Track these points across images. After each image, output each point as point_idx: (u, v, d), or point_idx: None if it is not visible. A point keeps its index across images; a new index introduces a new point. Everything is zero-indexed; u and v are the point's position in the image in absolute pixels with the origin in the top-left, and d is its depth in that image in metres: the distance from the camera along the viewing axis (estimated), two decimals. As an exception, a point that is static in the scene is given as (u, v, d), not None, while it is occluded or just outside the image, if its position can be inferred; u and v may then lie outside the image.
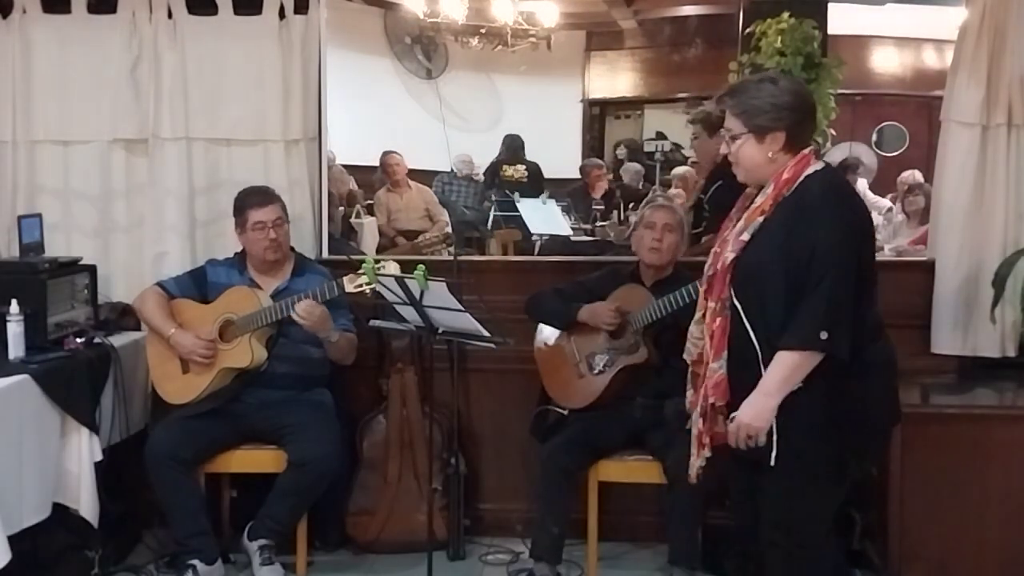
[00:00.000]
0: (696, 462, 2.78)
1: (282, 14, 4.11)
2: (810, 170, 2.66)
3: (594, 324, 3.70)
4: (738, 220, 2.73)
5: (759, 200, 2.69)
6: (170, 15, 4.10)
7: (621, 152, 10.31)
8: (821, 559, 2.78)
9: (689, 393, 2.85)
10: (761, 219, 2.65)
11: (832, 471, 2.68)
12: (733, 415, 2.66)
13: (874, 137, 10.37)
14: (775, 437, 2.62)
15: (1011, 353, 3.98)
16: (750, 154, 2.69)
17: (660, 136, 11.24)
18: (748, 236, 2.66)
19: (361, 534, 4.04)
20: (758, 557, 2.84)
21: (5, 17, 4.16)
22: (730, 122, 2.71)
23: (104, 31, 4.13)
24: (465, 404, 4.24)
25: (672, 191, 7.47)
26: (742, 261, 2.66)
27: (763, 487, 2.73)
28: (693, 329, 2.81)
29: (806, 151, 2.68)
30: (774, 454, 2.63)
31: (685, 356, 2.84)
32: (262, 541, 3.73)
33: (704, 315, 2.75)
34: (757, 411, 2.60)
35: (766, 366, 2.60)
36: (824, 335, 2.53)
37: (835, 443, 2.64)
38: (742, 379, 2.65)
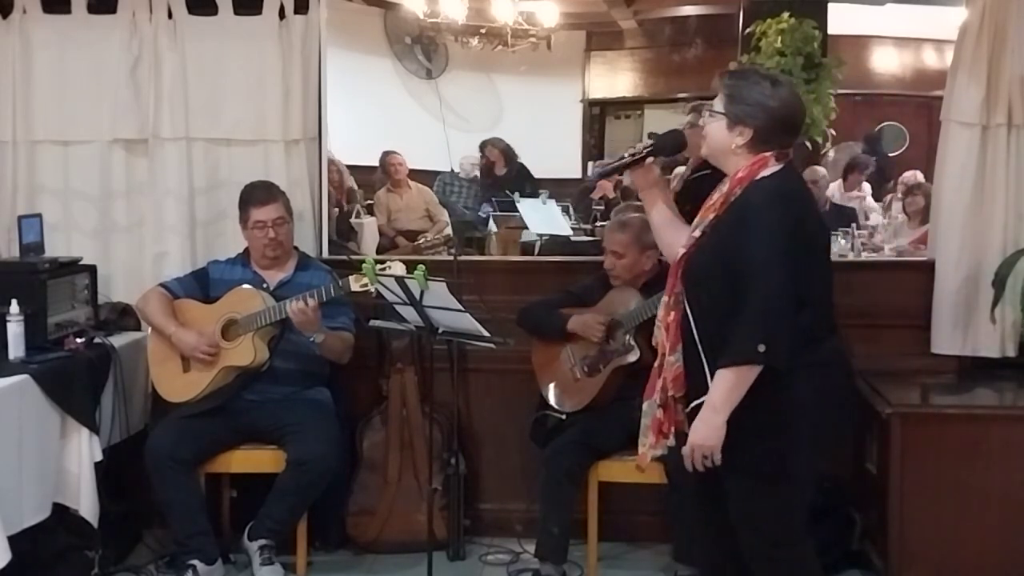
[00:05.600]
0: (654, 451, 2.77)
1: (282, 14, 4.10)
2: (765, 172, 2.61)
3: (584, 335, 3.72)
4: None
5: (715, 196, 2.67)
6: (170, 15, 4.10)
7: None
8: (802, 556, 2.74)
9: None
10: (712, 217, 2.63)
11: (777, 469, 2.61)
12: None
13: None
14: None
15: (1011, 353, 3.98)
16: (716, 134, 2.67)
17: (651, 136, 11.20)
18: (699, 233, 2.65)
19: (361, 534, 4.04)
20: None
21: (5, 17, 4.15)
22: (717, 99, 2.70)
23: (104, 31, 4.12)
24: (465, 404, 4.23)
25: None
26: (692, 258, 2.66)
27: (727, 493, 2.70)
28: (659, 315, 2.80)
29: (767, 154, 2.62)
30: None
31: (654, 342, 2.83)
32: (262, 541, 3.73)
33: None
34: (707, 430, 2.57)
35: (708, 363, 2.59)
36: (762, 347, 2.48)
37: (774, 442, 2.59)
38: (690, 373, 2.66)
